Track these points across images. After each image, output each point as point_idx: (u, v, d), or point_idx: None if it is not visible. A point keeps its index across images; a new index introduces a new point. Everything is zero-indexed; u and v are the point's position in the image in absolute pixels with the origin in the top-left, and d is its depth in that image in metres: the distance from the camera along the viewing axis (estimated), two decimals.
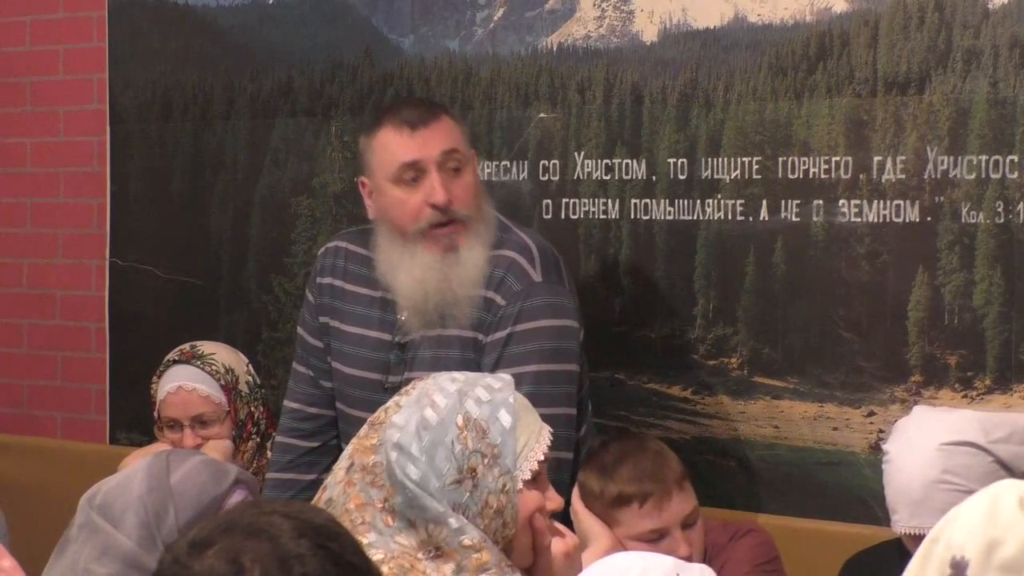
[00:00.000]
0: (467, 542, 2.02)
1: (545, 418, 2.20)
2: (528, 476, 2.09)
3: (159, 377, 3.39)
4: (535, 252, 3.05)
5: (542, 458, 2.11)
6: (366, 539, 2.02)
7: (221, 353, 3.40)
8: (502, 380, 2.14)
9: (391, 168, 3.00)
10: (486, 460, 2.05)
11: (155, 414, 3.40)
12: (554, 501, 2.17)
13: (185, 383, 3.32)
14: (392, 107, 3.16)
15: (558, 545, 2.17)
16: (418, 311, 3.03)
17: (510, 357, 2.95)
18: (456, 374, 2.17)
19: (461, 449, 2.04)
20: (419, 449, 2.04)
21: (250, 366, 3.44)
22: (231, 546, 1.55)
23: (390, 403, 2.14)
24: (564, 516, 2.74)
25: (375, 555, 2.00)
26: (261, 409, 3.39)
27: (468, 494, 2.03)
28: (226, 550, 1.55)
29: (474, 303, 3.01)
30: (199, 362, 3.35)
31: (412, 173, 2.99)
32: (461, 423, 2.05)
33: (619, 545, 2.75)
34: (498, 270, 3.01)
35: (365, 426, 2.15)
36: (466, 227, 3.01)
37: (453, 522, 2.02)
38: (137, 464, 2.49)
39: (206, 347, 3.41)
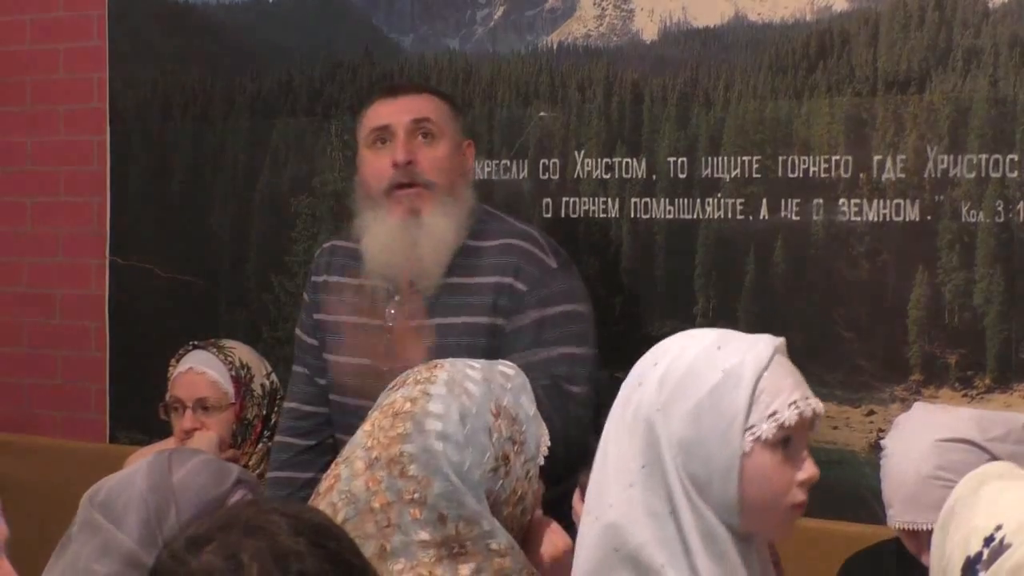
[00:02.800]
0: (494, 546, 2.00)
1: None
2: (542, 462, 2.09)
3: (177, 361, 3.42)
4: (542, 240, 3.10)
5: (550, 443, 2.11)
6: (389, 544, 1.99)
7: (242, 350, 3.42)
8: (512, 368, 2.14)
9: (366, 132, 3.12)
10: (516, 447, 2.05)
11: (166, 397, 3.42)
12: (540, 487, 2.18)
13: (196, 365, 3.35)
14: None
15: (547, 547, 2.16)
16: (388, 278, 3.06)
17: (548, 341, 3.00)
18: (471, 361, 2.15)
19: (497, 436, 2.04)
20: (464, 437, 2.02)
21: (273, 375, 3.44)
22: (229, 543, 1.56)
23: (415, 392, 2.10)
24: (563, 515, 2.75)
25: (395, 565, 1.98)
26: (277, 419, 3.39)
27: (501, 481, 2.03)
28: (224, 547, 1.56)
29: (489, 289, 3.03)
30: (215, 350, 3.37)
31: (383, 135, 3.09)
32: (494, 410, 2.05)
33: None
34: (511, 257, 3.04)
35: (385, 417, 2.11)
36: (431, 193, 3.05)
37: (485, 524, 2.00)
38: (139, 462, 2.49)
39: (229, 342, 3.44)
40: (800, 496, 1.98)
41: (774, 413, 1.93)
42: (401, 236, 3.03)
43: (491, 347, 2.97)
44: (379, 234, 3.06)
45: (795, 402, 1.95)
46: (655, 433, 1.94)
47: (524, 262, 3.03)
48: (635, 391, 1.98)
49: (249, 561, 1.54)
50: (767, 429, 1.92)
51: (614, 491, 1.95)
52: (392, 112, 3.08)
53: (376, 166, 3.08)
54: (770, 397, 1.94)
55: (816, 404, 1.98)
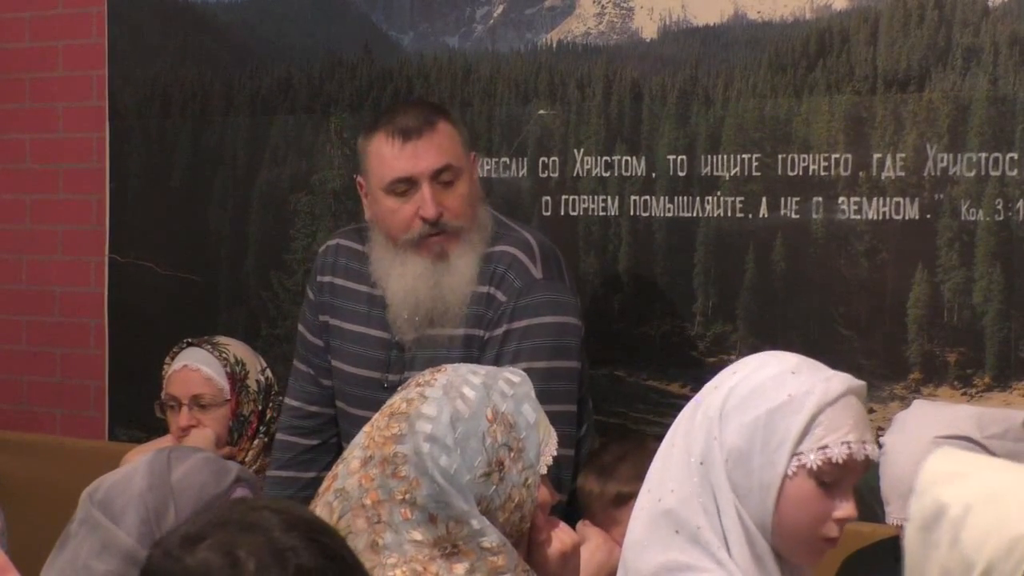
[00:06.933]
0: (486, 544, 2.01)
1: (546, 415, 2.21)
2: (544, 471, 2.11)
3: (172, 359, 3.42)
4: (536, 248, 3.05)
5: (556, 453, 2.12)
6: (381, 539, 2.01)
7: (236, 347, 3.42)
8: (519, 375, 2.16)
9: (383, 180, 3.01)
10: (512, 454, 2.06)
11: (162, 395, 3.42)
12: (546, 495, 2.18)
13: (191, 362, 3.36)
14: (390, 111, 3.11)
15: (556, 544, 2.17)
16: (409, 317, 3.04)
17: (509, 354, 2.95)
18: (476, 367, 2.18)
19: (491, 442, 2.05)
20: (453, 441, 2.04)
21: (268, 371, 3.45)
22: (225, 540, 1.56)
23: (413, 394, 2.12)
24: (561, 511, 2.74)
25: (388, 559, 1.99)
26: (272, 415, 3.39)
27: (494, 487, 2.04)
28: (220, 543, 1.56)
29: (475, 300, 3.01)
30: (210, 347, 3.38)
31: (404, 187, 2.99)
32: (491, 416, 2.07)
33: (613, 545, 2.75)
34: (500, 266, 3.01)
35: (383, 417, 2.13)
36: (458, 236, 3.01)
37: (475, 523, 2.01)
38: (139, 460, 2.49)
39: (223, 339, 3.45)
40: (834, 531, 2.07)
41: (825, 447, 2.01)
42: (427, 279, 3.00)
43: (481, 357, 2.96)
44: (405, 278, 3.02)
45: (849, 442, 2.02)
46: (712, 436, 2.03)
47: (509, 270, 3.00)
48: (710, 393, 2.08)
49: (246, 556, 1.54)
50: (814, 459, 2.01)
51: (677, 478, 2.05)
52: (412, 164, 2.98)
53: (402, 216, 3.00)
54: (825, 431, 2.02)
55: (871, 450, 2.05)
